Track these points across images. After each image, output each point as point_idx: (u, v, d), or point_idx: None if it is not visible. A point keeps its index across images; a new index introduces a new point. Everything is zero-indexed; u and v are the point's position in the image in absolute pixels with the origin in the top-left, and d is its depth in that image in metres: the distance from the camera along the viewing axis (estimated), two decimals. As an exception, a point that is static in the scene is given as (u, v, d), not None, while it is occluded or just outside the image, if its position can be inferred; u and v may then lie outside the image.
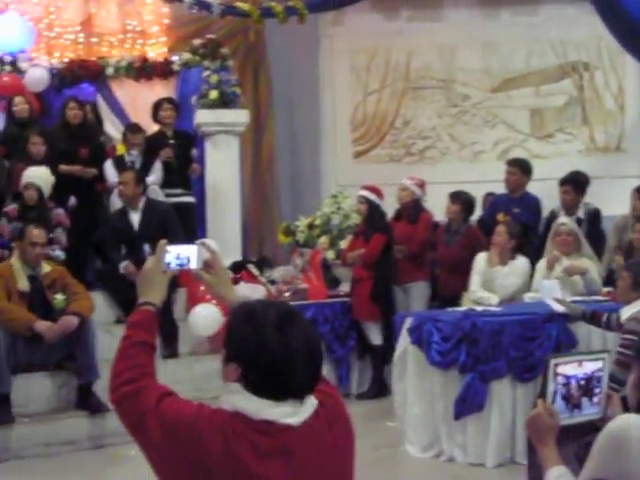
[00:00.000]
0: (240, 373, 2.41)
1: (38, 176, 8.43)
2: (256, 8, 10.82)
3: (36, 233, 7.20)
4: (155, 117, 9.98)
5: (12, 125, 9.71)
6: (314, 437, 2.45)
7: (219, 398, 2.48)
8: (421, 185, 9.25)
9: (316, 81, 12.48)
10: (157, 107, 9.94)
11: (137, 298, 8.14)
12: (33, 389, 7.28)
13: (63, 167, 9.11)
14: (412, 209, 9.15)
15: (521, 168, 9.26)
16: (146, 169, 9.33)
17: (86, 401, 7.20)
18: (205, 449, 2.35)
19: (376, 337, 8.81)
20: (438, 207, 9.22)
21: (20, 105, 9.75)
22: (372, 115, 12.43)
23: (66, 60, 11.37)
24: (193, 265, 2.86)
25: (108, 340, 7.47)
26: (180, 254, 2.86)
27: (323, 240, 9.87)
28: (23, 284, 7.17)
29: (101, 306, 8.04)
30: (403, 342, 6.89)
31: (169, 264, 2.83)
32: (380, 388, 8.70)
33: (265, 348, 2.36)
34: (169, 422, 2.42)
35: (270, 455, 2.37)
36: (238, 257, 9.66)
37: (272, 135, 12.30)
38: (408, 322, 6.85)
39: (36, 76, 10.74)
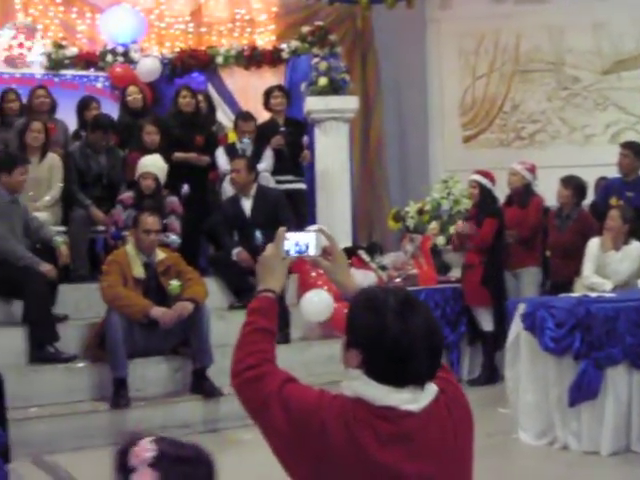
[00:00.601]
0: (361, 359, 2.41)
1: (154, 164, 8.56)
2: (365, -6, 10.80)
3: (150, 220, 7.30)
4: (266, 105, 10.04)
5: (126, 115, 9.90)
6: (434, 424, 2.44)
7: (339, 384, 2.49)
8: (532, 169, 9.13)
9: (424, 66, 12.43)
10: (268, 95, 10.00)
11: (249, 284, 8.32)
12: (149, 374, 7.40)
13: (178, 154, 9.23)
14: (523, 194, 9.05)
15: (634, 151, 9.07)
16: (257, 156, 9.38)
17: (201, 385, 7.29)
18: (328, 435, 2.37)
19: (487, 323, 8.75)
20: (549, 191, 9.10)
21: (134, 95, 9.95)
22: (481, 99, 12.32)
23: (177, 50, 11.59)
24: (312, 252, 2.86)
25: (221, 326, 7.64)
26: (299, 241, 2.86)
27: (433, 226, 9.84)
28: (138, 271, 7.28)
29: (214, 292, 8.13)
30: (516, 328, 6.82)
31: (288, 251, 2.84)
32: (491, 374, 8.65)
33: (386, 334, 2.37)
34: (292, 408, 2.45)
35: (391, 441, 2.38)
36: (348, 243, 9.67)
37: (380, 121, 12.32)
38: (521, 308, 6.77)
39: (148, 66, 10.96)
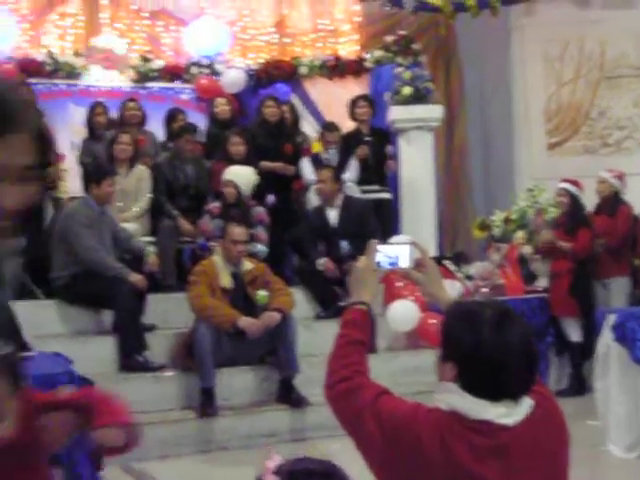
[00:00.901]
0: (456, 373, 2.41)
1: (237, 174, 8.64)
2: (449, 3, 10.75)
3: (238, 231, 7.36)
4: (352, 114, 10.06)
5: (214, 126, 10.02)
6: (529, 438, 2.43)
7: (427, 394, 2.49)
8: (620, 177, 9.01)
9: (508, 73, 12.32)
10: (353, 104, 10.02)
11: (334, 294, 8.29)
12: (236, 383, 7.44)
13: (265, 163, 9.29)
14: (611, 202, 8.92)
15: None
16: (342, 166, 9.42)
17: (287, 395, 7.31)
18: (423, 448, 2.37)
19: (575, 333, 8.64)
20: (637, 199, 8.97)
21: (221, 106, 10.07)
22: (566, 106, 12.16)
23: (261, 61, 11.67)
24: (404, 264, 2.86)
25: (307, 336, 7.67)
26: (390, 253, 2.87)
27: (520, 235, 9.75)
28: (226, 281, 7.33)
29: (300, 302, 8.16)
30: (605, 339, 6.72)
31: (380, 263, 2.85)
32: (579, 385, 8.53)
33: (482, 348, 2.36)
34: (386, 421, 2.45)
35: (486, 455, 2.37)
36: (434, 253, 9.63)
37: (464, 129, 12.26)
38: (611, 319, 6.67)
39: (232, 78, 11.05)
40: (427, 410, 2.45)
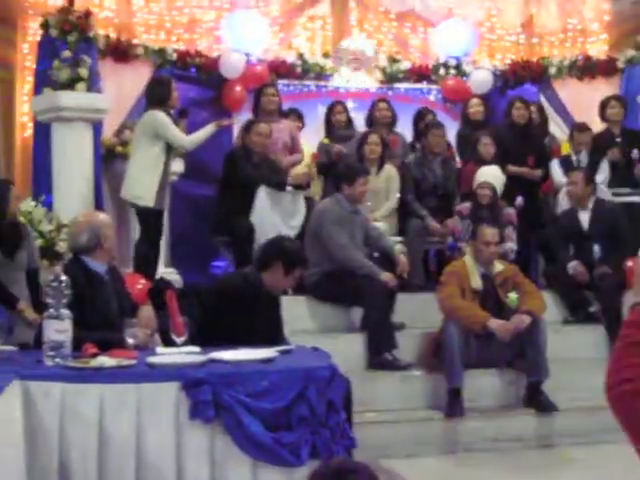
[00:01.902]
0: None
1: (492, 175, 8.63)
2: None
3: (490, 232, 7.31)
4: (602, 115, 9.82)
5: (467, 127, 10.02)
6: None
7: None
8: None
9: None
10: (604, 105, 9.77)
11: (584, 298, 8.04)
12: (483, 385, 7.38)
13: (511, 168, 9.21)
14: None
15: None
16: (593, 168, 9.20)
17: (535, 399, 7.19)
18: None
19: None
20: None
21: (475, 107, 10.06)
22: None
23: (508, 62, 11.58)
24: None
25: (556, 340, 7.54)
26: None
27: None
28: (476, 282, 7.30)
29: (548, 306, 7.99)
30: None
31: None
32: None
33: None
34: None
35: None
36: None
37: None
38: None
39: (480, 78, 11.02)
40: None
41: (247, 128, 8.73)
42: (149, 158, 8.05)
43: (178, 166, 9.08)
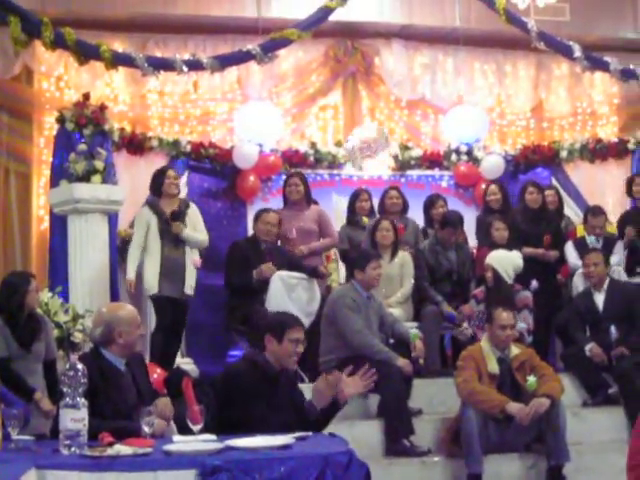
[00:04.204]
0: None
1: (501, 258, 8.65)
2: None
3: (505, 316, 7.28)
4: (629, 192, 9.98)
5: (486, 213, 10.01)
6: None
7: None
8: None
9: None
10: (630, 183, 9.89)
11: (603, 381, 8.00)
12: (503, 470, 7.27)
13: (526, 250, 9.22)
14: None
15: None
16: (608, 249, 9.24)
17: (556, 484, 7.13)
18: None
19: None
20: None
21: (493, 195, 10.04)
22: None
23: (519, 146, 11.70)
24: None
25: (575, 423, 7.50)
26: None
27: None
28: (492, 366, 7.24)
29: (567, 388, 7.94)
30: None
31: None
32: None
33: None
34: None
35: None
36: None
37: None
38: None
39: (492, 164, 11.12)
40: None
41: (256, 217, 8.89)
42: (147, 247, 8.63)
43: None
